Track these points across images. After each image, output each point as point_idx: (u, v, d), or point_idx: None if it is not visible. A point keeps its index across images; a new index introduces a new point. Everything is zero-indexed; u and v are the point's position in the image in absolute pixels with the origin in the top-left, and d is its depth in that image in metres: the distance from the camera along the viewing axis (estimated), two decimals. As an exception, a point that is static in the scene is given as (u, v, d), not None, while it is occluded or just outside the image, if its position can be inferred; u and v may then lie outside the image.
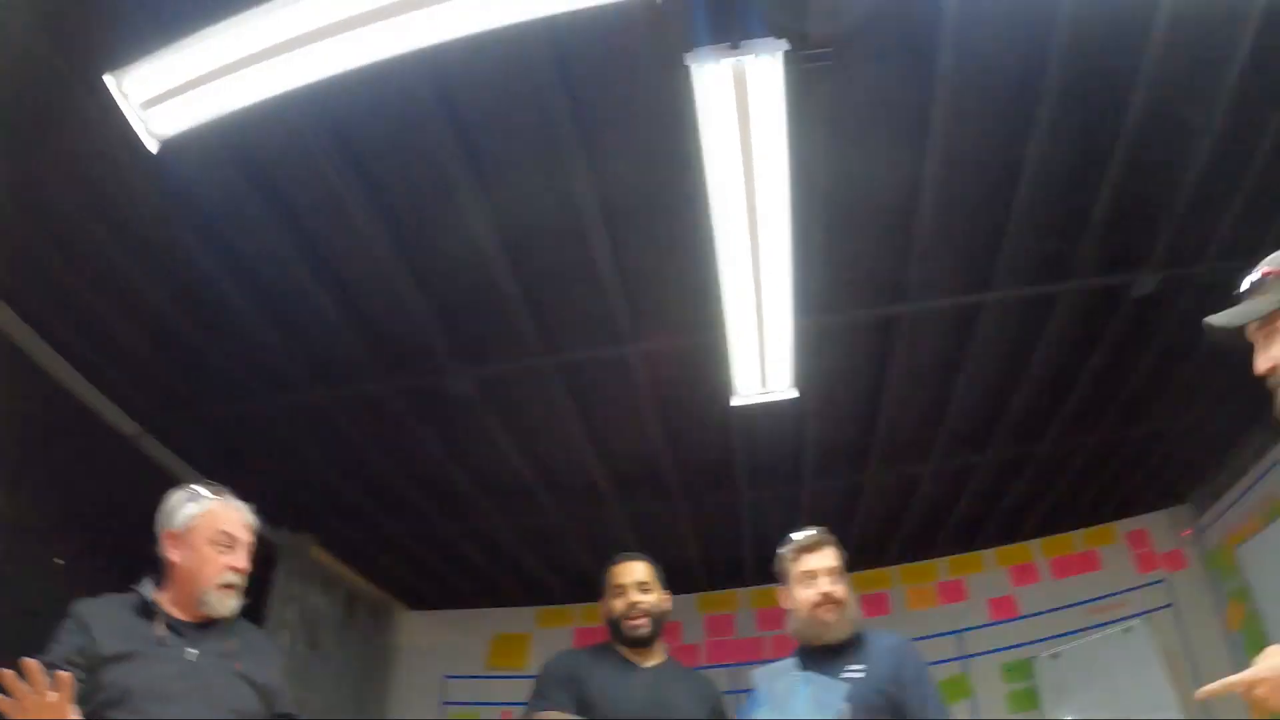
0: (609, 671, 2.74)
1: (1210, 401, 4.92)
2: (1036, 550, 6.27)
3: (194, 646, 2.06)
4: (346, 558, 5.68)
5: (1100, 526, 6.26)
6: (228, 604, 2.12)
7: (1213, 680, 4.24)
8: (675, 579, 5.97)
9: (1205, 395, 4.85)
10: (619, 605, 2.78)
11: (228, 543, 2.14)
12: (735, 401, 3.68)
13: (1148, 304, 3.82)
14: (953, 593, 6.19)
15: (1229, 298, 1.75)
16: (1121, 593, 6.02)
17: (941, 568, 6.25)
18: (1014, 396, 4.38)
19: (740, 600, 6.27)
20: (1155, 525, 6.25)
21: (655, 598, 2.82)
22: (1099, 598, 6.04)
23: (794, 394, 3.65)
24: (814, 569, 2.59)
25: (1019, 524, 6.16)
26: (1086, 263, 3.53)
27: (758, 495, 4.79)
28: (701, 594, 6.33)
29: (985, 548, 6.29)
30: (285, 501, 4.65)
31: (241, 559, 2.16)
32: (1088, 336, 4.04)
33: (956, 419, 4.47)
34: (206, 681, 2.04)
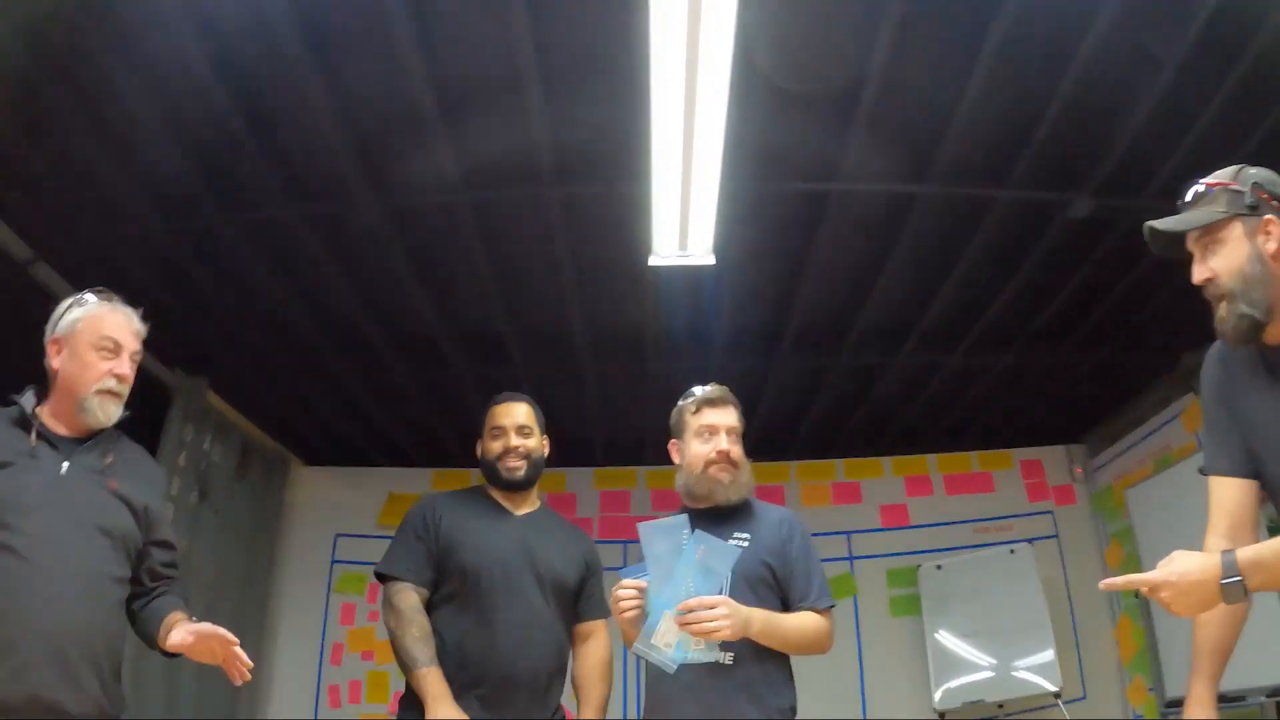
0: (478, 517, 2.78)
1: (1122, 344, 5.13)
2: (933, 464, 6.58)
3: (67, 459, 2.06)
4: (242, 405, 5.59)
5: (997, 451, 6.59)
6: (108, 411, 2.11)
7: (1088, 610, 4.62)
8: (575, 451, 6.20)
9: (1118, 337, 5.05)
10: (496, 447, 2.81)
11: (111, 348, 2.11)
12: (653, 261, 3.68)
13: (1079, 229, 3.90)
14: (847, 494, 6.48)
15: (1173, 208, 1.81)
16: (1010, 517, 6.40)
17: (839, 468, 6.52)
18: (933, 301, 4.47)
19: (638, 478, 6.45)
20: (1050, 458, 6.62)
21: (535, 442, 2.84)
22: (988, 519, 6.41)
23: (711, 260, 3.66)
24: (715, 424, 2.56)
25: (918, 436, 6.42)
26: (1026, 175, 3.56)
27: (664, 369, 4.81)
28: (599, 468, 6.48)
29: (884, 455, 6.56)
30: (182, 339, 4.54)
31: (125, 366, 2.13)
32: (1015, 251, 4.11)
33: (872, 315, 4.55)
34: (71, 494, 2.04)
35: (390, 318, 4.57)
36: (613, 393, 5.37)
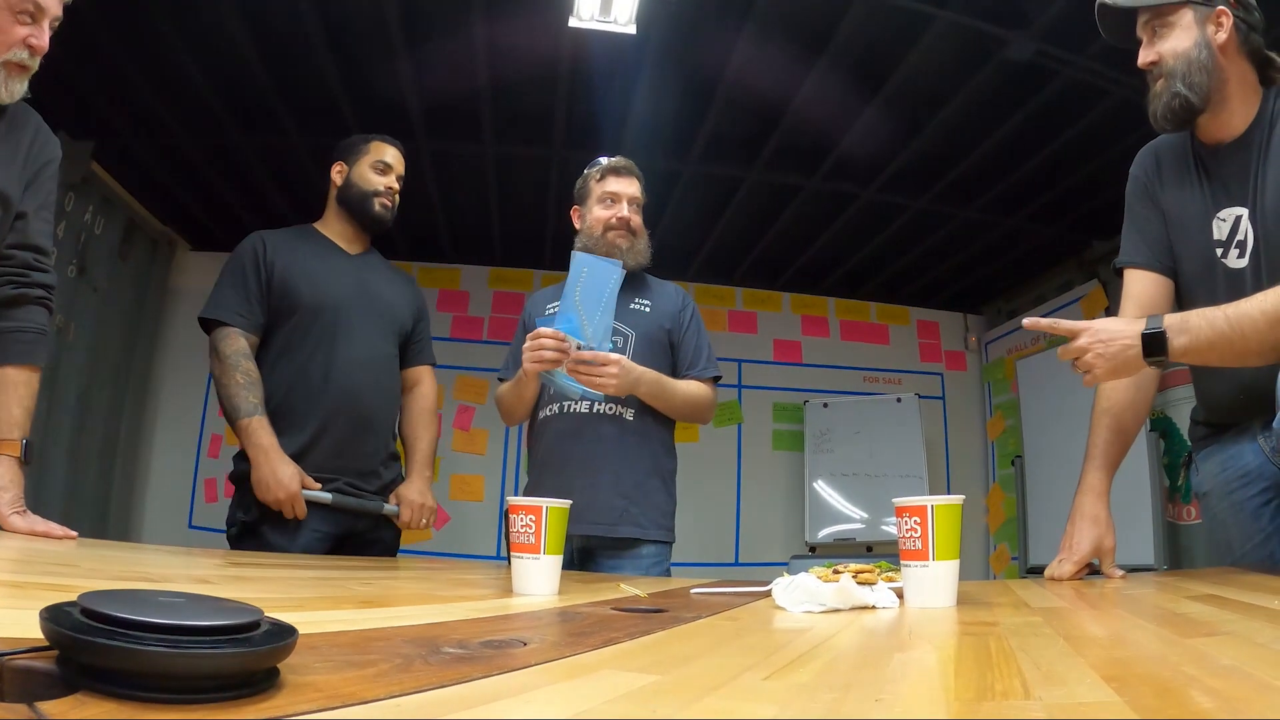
0: (313, 255, 2.76)
1: (1035, 214, 5.36)
2: (831, 307, 6.95)
3: None
4: (129, 181, 5.45)
5: (896, 306, 6.99)
6: (12, 88, 1.87)
7: (962, 474, 4.95)
8: (470, 246, 6.23)
9: (1033, 206, 5.28)
10: (376, 180, 2.81)
11: (31, 10, 1.83)
12: (572, 22, 3.66)
13: (1015, 73, 3.98)
14: (743, 323, 6.77)
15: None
16: (900, 372, 6.86)
17: (737, 295, 6.80)
18: (853, 125, 4.56)
19: (534, 282, 6.54)
20: (947, 323, 7.08)
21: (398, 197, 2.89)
22: (879, 369, 6.86)
23: (632, 30, 3.67)
24: (618, 192, 2.73)
25: (820, 276, 6.68)
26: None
27: (572, 159, 4.88)
28: (495, 268, 6.58)
29: (784, 290, 6.86)
30: (68, 98, 4.37)
31: (43, 36, 1.86)
32: (946, 84, 4.20)
33: (790, 130, 4.63)
34: None
35: (291, 84, 4.45)
36: (516, 180, 5.38)
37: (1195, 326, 1.61)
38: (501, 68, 4.26)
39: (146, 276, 6.03)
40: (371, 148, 2.84)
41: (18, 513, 1.81)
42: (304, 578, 1.52)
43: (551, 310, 2.57)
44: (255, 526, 2.56)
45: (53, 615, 0.52)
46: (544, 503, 1.44)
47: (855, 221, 5.67)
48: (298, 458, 2.56)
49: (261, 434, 2.52)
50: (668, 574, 2.61)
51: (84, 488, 5.32)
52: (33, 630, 0.57)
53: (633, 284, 2.74)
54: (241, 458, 2.60)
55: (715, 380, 2.77)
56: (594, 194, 2.78)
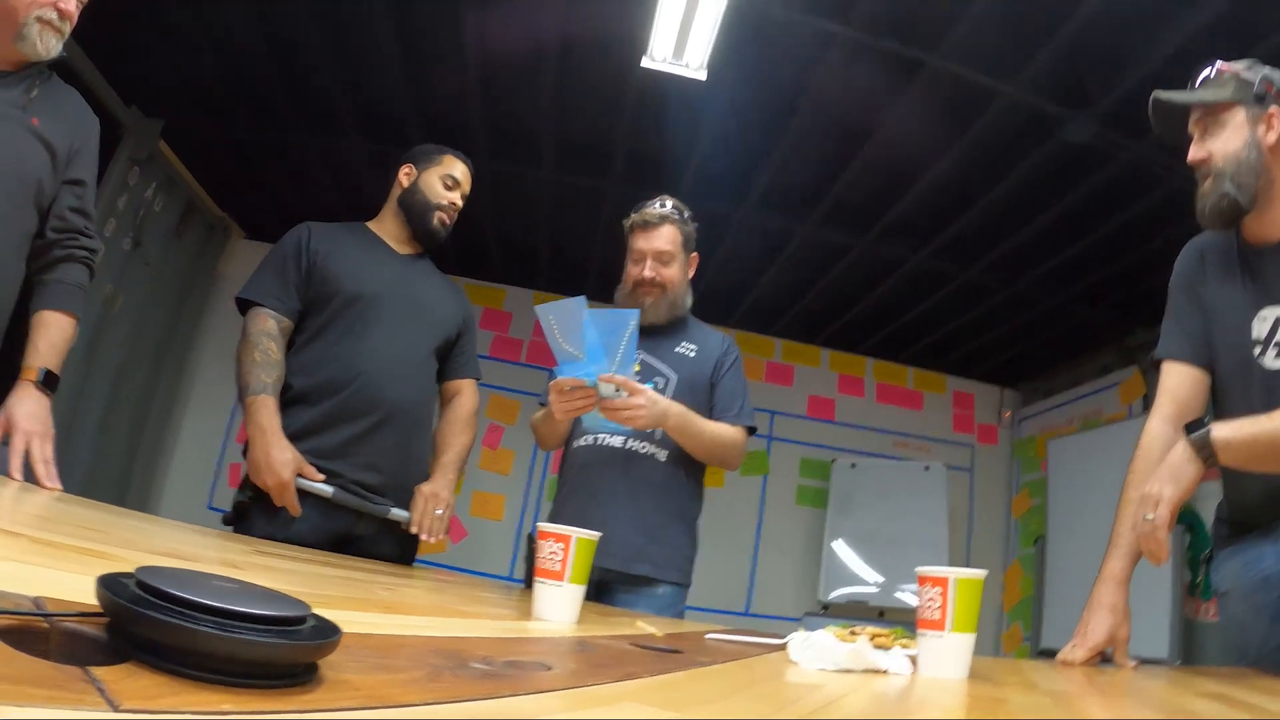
0: (359, 248, 2.77)
1: (1079, 296, 5.37)
2: (869, 368, 6.97)
3: None
4: (193, 162, 5.58)
5: (934, 373, 7.00)
6: (49, 43, 1.96)
7: (984, 548, 4.92)
8: (518, 268, 6.29)
9: (1076, 289, 5.29)
10: (442, 193, 2.81)
11: None
12: (644, 63, 3.74)
13: (1073, 154, 4.02)
14: (780, 375, 6.80)
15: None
16: (931, 440, 6.84)
17: (777, 347, 6.83)
18: (912, 188, 4.60)
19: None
20: (982, 395, 7.07)
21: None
22: (910, 435, 6.84)
23: (703, 75, 3.74)
24: (643, 249, 2.76)
25: (861, 336, 6.70)
26: (1033, 77, 3.65)
27: (625, 195, 4.95)
28: (540, 292, 6.62)
29: (823, 346, 6.89)
30: (144, 77, 4.49)
31: (69, 2, 1.96)
32: (1004, 158, 4.23)
33: (847, 187, 4.67)
34: None
35: (360, 93, 4.56)
36: (568, 208, 5.44)
37: (1237, 438, 1.63)
38: (569, 98, 4.34)
39: (198, 259, 6.15)
40: (445, 160, 2.85)
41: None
42: (330, 575, 1.55)
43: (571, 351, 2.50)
44: (246, 509, 2.52)
45: (110, 585, 0.54)
46: (574, 532, 1.46)
47: (902, 285, 5.70)
48: (304, 435, 2.52)
49: (263, 413, 2.47)
50: (681, 616, 2.62)
51: (109, 457, 5.41)
52: (70, 591, 0.61)
53: (678, 328, 2.81)
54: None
55: (750, 431, 2.76)
56: (629, 247, 2.82)
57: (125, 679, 0.47)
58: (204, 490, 6.15)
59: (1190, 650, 4.79)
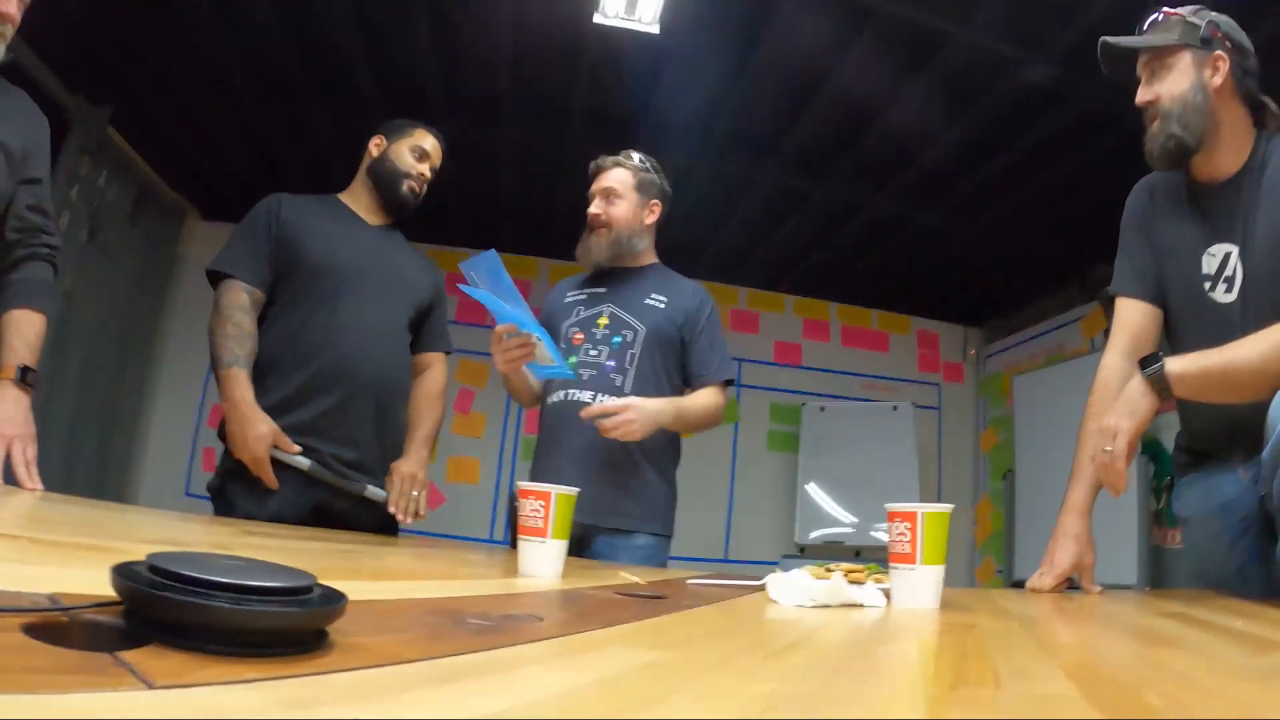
0: (330, 219, 2.75)
1: (1040, 233, 5.43)
2: (834, 312, 7.04)
3: None
4: (144, 147, 5.50)
5: (898, 314, 7.07)
6: None
7: (954, 485, 5.00)
8: (480, 231, 6.28)
9: (1037, 227, 5.35)
10: (412, 165, 2.79)
11: None
12: (596, 19, 3.73)
13: (1030, 94, 4.06)
14: (745, 323, 6.83)
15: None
16: (898, 380, 6.94)
17: (741, 295, 6.86)
18: (869, 132, 4.63)
19: (540, 269, 6.64)
20: (946, 335, 7.16)
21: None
22: (877, 376, 6.93)
23: (656, 29, 3.74)
24: (593, 190, 2.83)
25: (823, 282, 6.74)
26: (991, 18, 3.66)
27: (586, 151, 4.96)
28: (503, 254, 6.64)
29: (787, 293, 6.94)
30: (88, 62, 4.41)
31: (11, 4, 1.89)
32: (959, 99, 4.26)
33: (804, 135, 4.71)
34: None
35: (317, 57, 4.49)
36: (528, 168, 5.45)
37: (1189, 371, 1.69)
38: (524, 55, 4.32)
39: (156, 244, 6.09)
40: (416, 133, 2.84)
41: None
42: (319, 549, 1.59)
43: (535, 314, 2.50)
44: (225, 486, 2.53)
45: (125, 573, 0.56)
46: (553, 489, 1.51)
47: (863, 229, 5.75)
48: (277, 410, 2.51)
49: (236, 386, 2.48)
50: (664, 565, 2.66)
51: (83, 450, 5.38)
52: (80, 585, 0.63)
53: (653, 279, 2.83)
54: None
55: (728, 384, 2.81)
56: (589, 194, 2.87)
57: (151, 660, 0.49)
58: (180, 476, 6.15)
59: (1157, 576, 4.92)
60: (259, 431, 2.44)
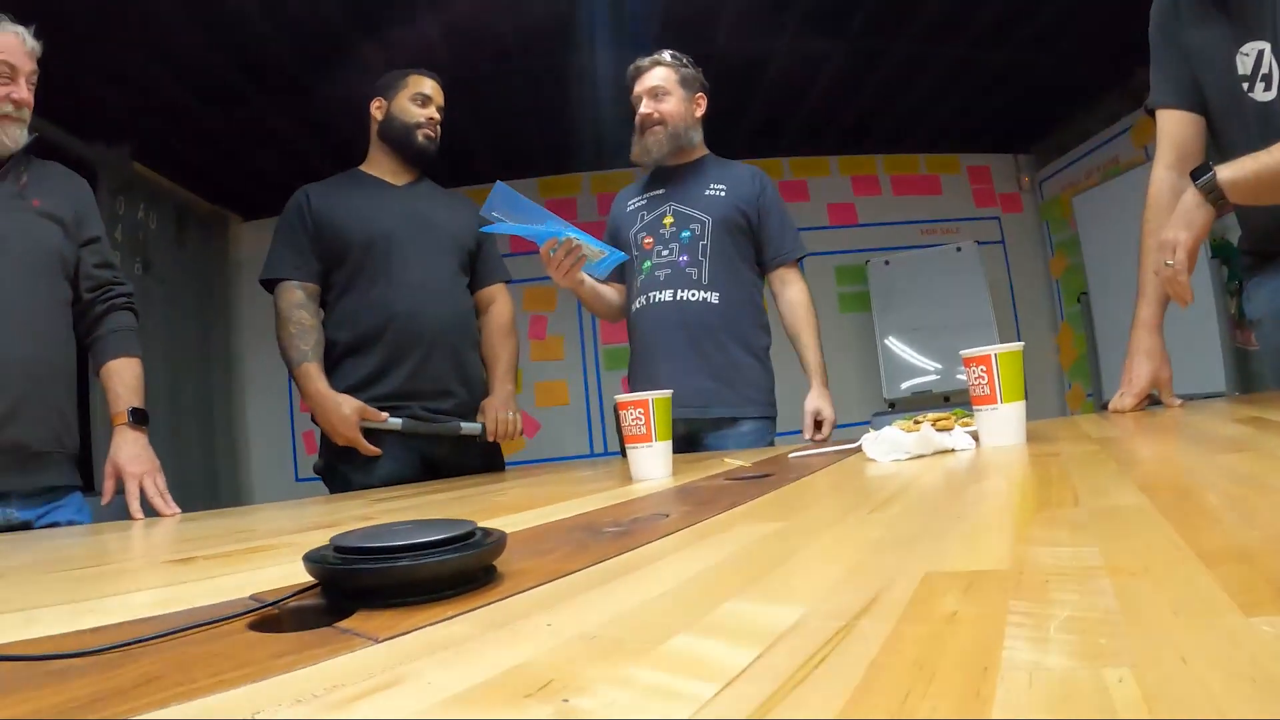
0: (356, 195, 2.78)
1: (1074, 48, 5.25)
2: (880, 165, 6.93)
3: None
4: (170, 170, 5.62)
5: (944, 155, 6.92)
6: (11, 134, 2.07)
7: (1031, 317, 4.96)
8: (513, 161, 6.31)
9: (1070, 40, 5.17)
10: (418, 112, 2.80)
11: (6, 73, 2.05)
12: None
13: None
14: (795, 192, 6.75)
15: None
16: (957, 220, 6.83)
17: (784, 166, 6.80)
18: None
19: (582, 184, 6.70)
20: (997, 165, 6.99)
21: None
22: (935, 220, 6.84)
23: None
24: (639, 92, 2.86)
25: (863, 135, 6.63)
26: None
27: (597, 62, 4.93)
28: (541, 178, 6.68)
29: (830, 154, 6.85)
30: (96, 111, 4.50)
31: (21, 91, 2.08)
32: None
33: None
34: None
35: (308, 39, 4.49)
36: (543, 92, 5.41)
37: (1244, 174, 1.70)
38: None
39: (206, 256, 6.30)
40: (410, 81, 2.83)
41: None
42: (447, 499, 1.71)
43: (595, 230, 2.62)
44: (334, 467, 2.66)
45: (317, 558, 0.65)
46: (649, 395, 1.62)
47: (891, 76, 5.63)
48: (367, 385, 2.62)
49: (310, 381, 2.58)
50: (771, 445, 2.73)
51: (190, 470, 5.65)
52: (273, 583, 0.73)
53: (709, 169, 2.89)
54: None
55: (801, 259, 2.89)
56: (635, 97, 2.89)
57: (365, 623, 0.56)
58: (287, 465, 6.45)
59: (1247, 380, 4.86)
60: (343, 415, 2.56)
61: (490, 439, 2.76)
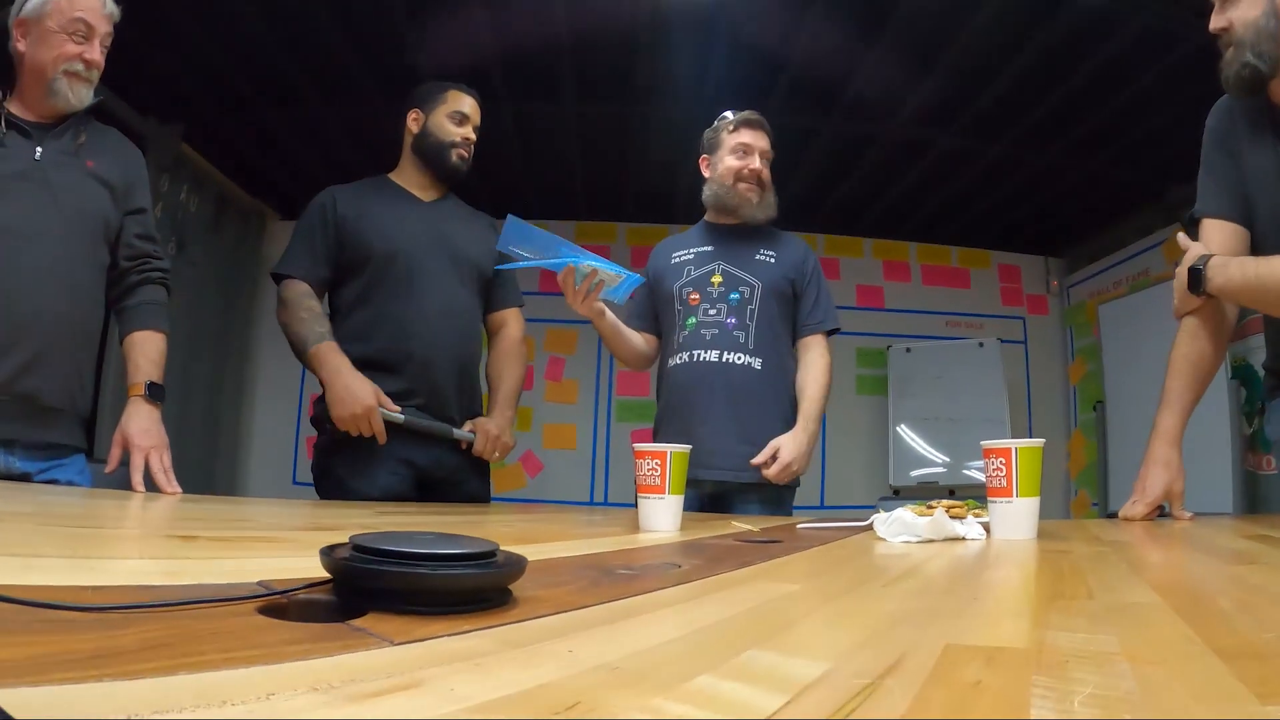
0: (383, 204, 2.75)
1: (1113, 159, 5.33)
2: (912, 252, 6.97)
3: (40, 145, 2.06)
4: (218, 159, 5.72)
5: (977, 250, 6.96)
6: (79, 93, 2.10)
7: (1045, 419, 4.96)
8: (555, 202, 6.38)
9: (1111, 150, 5.24)
10: (454, 133, 2.79)
11: (83, 31, 2.08)
12: None
13: (1089, 20, 4.02)
14: (826, 270, 6.66)
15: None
16: (982, 316, 6.85)
17: (819, 242, 6.82)
18: (932, 72, 4.61)
19: (618, 234, 6.73)
20: (1028, 266, 7.02)
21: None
22: (961, 314, 6.86)
23: None
24: (751, 144, 2.84)
25: (900, 222, 6.70)
26: None
27: (650, 113, 5.05)
28: (579, 222, 6.71)
29: (864, 236, 6.91)
30: (156, 86, 4.61)
31: (95, 51, 2.11)
32: (1020, 30, 4.22)
33: (868, 78, 4.70)
34: (48, 179, 2.05)
35: (372, 50, 4.59)
36: (594, 137, 5.50)
37: (1231, 272, 1.76)
38: (581, 25, 4.36)
39: (239, 248, 6.36)
40: (449, 96, 2.82)
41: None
42: (454, 522, 1.71)
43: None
44: (329, 470, 2.62)
45: (336, 554, 0.64)
46: (668, 448, 1.63)
47: (933, 167, 5.71)
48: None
49: (330, 356, 2.53)
50: (790, 514, 2.73)
51: (189, 456, 5.58)
52: (280, 572, 0.72)
53: (758, 236, 2.89)
54: (320, 400, 2.63)
55: (832, 332, 2.89)
56: (725, 145, 2.88)
57: (379, 624, 0.55)
58: (286, 467, 6.43)
59: (1253, 502, 4.83)
60: (365, 387, 2.50)
61: (476, 452, 2.71)
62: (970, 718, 0.39)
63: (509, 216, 2.34)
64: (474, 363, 2.83)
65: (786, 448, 2.64)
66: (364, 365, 2.58)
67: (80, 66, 2.08)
